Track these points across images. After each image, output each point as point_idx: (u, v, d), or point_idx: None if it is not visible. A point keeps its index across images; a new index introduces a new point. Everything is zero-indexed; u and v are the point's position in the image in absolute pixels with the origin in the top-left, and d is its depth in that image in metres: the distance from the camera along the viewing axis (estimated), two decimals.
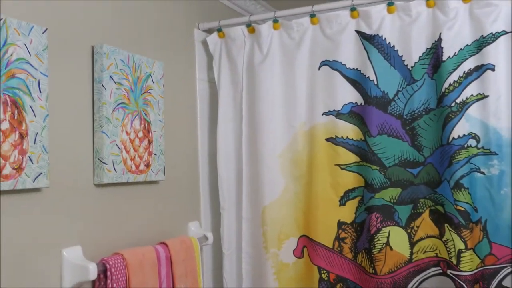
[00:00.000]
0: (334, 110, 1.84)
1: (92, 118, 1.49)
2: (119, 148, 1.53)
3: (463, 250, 1.64)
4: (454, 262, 1.65)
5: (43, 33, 1.27)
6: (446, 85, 1.66)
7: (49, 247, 1.32)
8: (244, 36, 1.98)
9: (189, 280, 1.72)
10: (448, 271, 1.68)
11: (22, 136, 1.21)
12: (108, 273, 1.41)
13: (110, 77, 1.50)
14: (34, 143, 1.25)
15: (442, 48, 1.67)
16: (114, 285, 1.41)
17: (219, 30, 2.02)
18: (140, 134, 1.63)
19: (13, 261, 1.22)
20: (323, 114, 1.86)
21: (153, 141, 1.69)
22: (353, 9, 1.80)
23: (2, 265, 1.19)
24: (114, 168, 1.51)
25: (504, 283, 1.64)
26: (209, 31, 2.08)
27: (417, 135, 1.74)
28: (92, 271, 1.35)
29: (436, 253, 1.72)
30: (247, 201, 1.97)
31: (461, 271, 1.63)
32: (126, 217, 1.61)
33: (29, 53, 1.23)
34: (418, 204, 1.75)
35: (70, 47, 1.42)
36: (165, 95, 1.79)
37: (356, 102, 1.81)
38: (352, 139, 1.82)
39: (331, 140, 1.85)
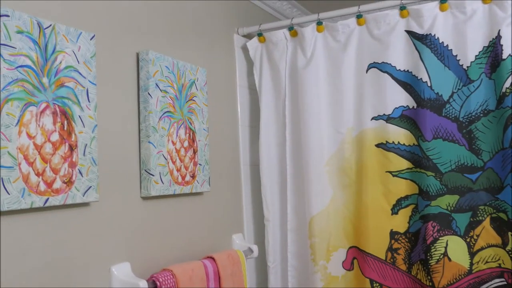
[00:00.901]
0: (384, 114, 1.75)
1: (138, 128, 1.43)
2: (165, 158, 1.46)
3: None
4: None
5: (91, 39, 1.22)
6: (507, 84, 1.57)
7: (98, 264, 1.26)
8: (286, 39, 1.91)
9: None
10: None
11: (71, 148, 1.15)
12: None
13: (156, 84, 1.44)
14: (84, 155, 1.18)
15: (501, 45, 1.58)
16: None
17: (260, 35, 1.95)
18: (186, 144, 1.56)
19: (62, 278, 1.16)
20: (372, 118, 1.77)
21: (198, 151, 1.62)
22: (402, 8, 1.72)
23: (52, 282, 1.12)
24: (161, 180, 1.44)
25: None
26: (249, 36, 2.02)
27: (475, 138, 1.64)
28: None
29: (499, 264, 1.62)
30: (292, 211, 1.89)
31: None
32: (173, 231, 1.54)
33: (78, 61, 1.18)
34: (478, 212, 1.65)
35: (116, 54, 1.36)
36: (208, 102, 1.72)
37: (407, 105, 1.73)
38: (404, 144, 1.73)
39: (382, 146, 1.76)
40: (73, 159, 1.16)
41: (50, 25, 1.11)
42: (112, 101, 1.34)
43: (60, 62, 1.13)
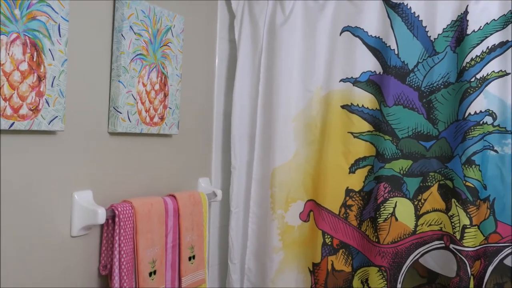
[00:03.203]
0: (352, 77, 1.83)
1: (110, 67, 1.50)
2: (134, 98, 1.55)
3: (468, 226, 1.64)
4: (458, 237, 1.66)
5: None
6: (467, 59, 1.64)
7: (61, 189, 1.36)
8: None
9: (195, 234, 1.76)
10: (451, 246, 1.69)
11: (40, 79, 1.23)
12: (117, 219, 1.45)
13: (130, 27, 1.51)
14: (52, 86, 1.27)
15: (467, 21, 1.63)
16: (121, 231, 1.45)
17: None
18: (157, 87, 1.65)
19: (25, 199, 1.26)
20: (340, 80, 1.84)
21: (169, 95, 1.71)
22: None
23: (14, 200, 1.23)
24: (129, 118, 1.53)
25: (506, 261, 1.65)
26: None
27: (434, 108, 1.72)
28: (101, 216, 1.39)
29: (441, 227, 1.73)
30: (258, 161, 1.99)
31: (463, 246, 1.64)
32: (137, 167, 1.65)
33: None
34: (428, 178, 1.75)
35: None
36: (184, 50, 1.79)
37: (374, 71, 1.80)
38: (367, 107, 1.81)
39: (346, 107, 1.84)
40: (41, 89, 1.24)
41: None
42: (85, 39, 1.41)
43: None
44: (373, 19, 1.79)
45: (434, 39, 1.71)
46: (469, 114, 1.64)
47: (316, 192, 1.92)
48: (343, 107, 1.85)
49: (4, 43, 1.14)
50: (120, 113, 1.50)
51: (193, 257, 1.76)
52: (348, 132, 1.84)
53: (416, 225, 1.76)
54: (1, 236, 1.20)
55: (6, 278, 1.22)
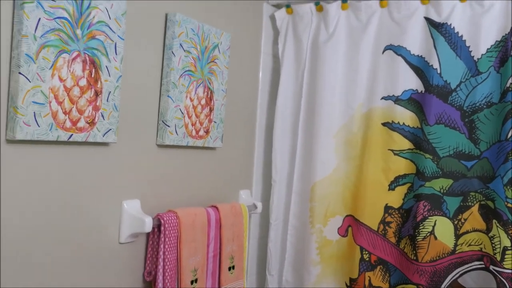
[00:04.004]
0: (393, 95, 1.85)
1: (160, 82, 1.58)
2: (182, 113, 1.62)
3: (509, 248, 1.63)
4: (498, 258, 1.65)
5: None
6: (511, 80, 1.63)
7: (112, 197, 1.44)
8: (312, 14, 2.01)
9: (236, 244, 1.81)
10: (491, 267, 1.68)
11: (96, 93, 1.32)
12: (162, 228, 1.52)
13: (180, 44, 1.58)
14: (107, 101, 1.35)
15: (511, 41, 1.64)
16: (166, 239, 1.51)
17: (288, 6, 2.05)
18: (203, 102, 1.71)
19: (79, 206, 1.34)
20: (382, 98, 1.87)
21: (214, 109, 1.77)
22: None
23: (68, 207, 1.31)
24: (176, 131, 1.60)
25: None
26: (278, 6, 2.12)
27: (476, 128, 1.73)
28: (148, 224, 1.46)
29: (481, 248, 1.73)
30: (298, 176, 2.03)
31: (504, 268, 1.63)
32: (183, 179, 1.71)
33: (109, 17, 1.33)
34: (468, 197, 1.75)
35: (145, 14, 1.50)
36: (229, 66, 1.86)
37: (416, 89, 1.81)
38: (408, 125, 1.83)
39: (387, 125, 1.86)
40: (97, 104, 1.32)
41: None
42: (138, 56, 1.49)
43: (93, 17, 1.28)
44: (416, 38, 1.81)
45: (478, 59, 1.71)
46: None
47: (355, 207, 1.94)
48: (384, 124, 1.87)
49: (66, 60, 1.23)
50: (168, 126, 1.57)
51: (233, 267, 1.81)
52: (389, 149, 1.86)
53: (456, 245, 1.76)
54: (56, 241, 1.28)
55: (60, 281, 1.30)
